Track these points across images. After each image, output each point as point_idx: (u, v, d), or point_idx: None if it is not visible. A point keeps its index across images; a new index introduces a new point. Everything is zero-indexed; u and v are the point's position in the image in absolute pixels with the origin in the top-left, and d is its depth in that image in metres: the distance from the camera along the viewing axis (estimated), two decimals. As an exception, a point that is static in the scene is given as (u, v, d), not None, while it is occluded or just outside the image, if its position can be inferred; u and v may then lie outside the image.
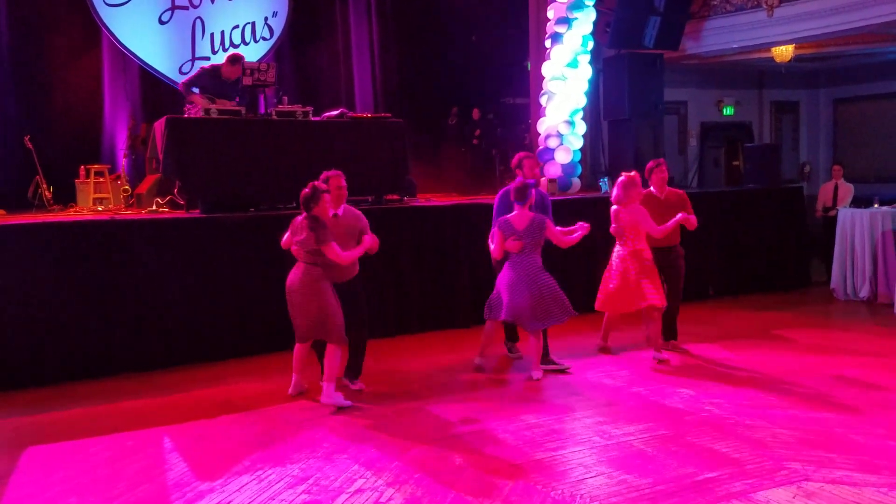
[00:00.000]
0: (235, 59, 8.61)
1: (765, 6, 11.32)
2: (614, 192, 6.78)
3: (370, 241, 5.91)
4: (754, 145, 13.49)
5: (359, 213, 6.19)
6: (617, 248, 6.84)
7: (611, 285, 6.82)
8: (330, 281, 5.80)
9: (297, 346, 5.98)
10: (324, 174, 6.02)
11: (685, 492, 4.09)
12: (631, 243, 6.70)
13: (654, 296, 6.61)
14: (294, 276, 5.80)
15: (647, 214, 6.72)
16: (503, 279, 6.34)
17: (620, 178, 6.79)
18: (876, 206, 9.70)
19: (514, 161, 6.76)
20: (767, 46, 11.92)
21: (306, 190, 5.73)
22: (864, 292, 9.50)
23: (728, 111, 14.68)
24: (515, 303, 6.21)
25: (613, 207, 6.77)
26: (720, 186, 13.74)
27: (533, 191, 6.34)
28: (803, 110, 15.31)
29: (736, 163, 14.50)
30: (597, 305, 7.04)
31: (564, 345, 7.45)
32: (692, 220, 6.85)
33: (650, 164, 7.33)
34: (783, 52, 12.01)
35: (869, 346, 7.30)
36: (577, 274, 8.97)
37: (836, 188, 11.41)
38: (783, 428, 5.02)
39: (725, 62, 13.32)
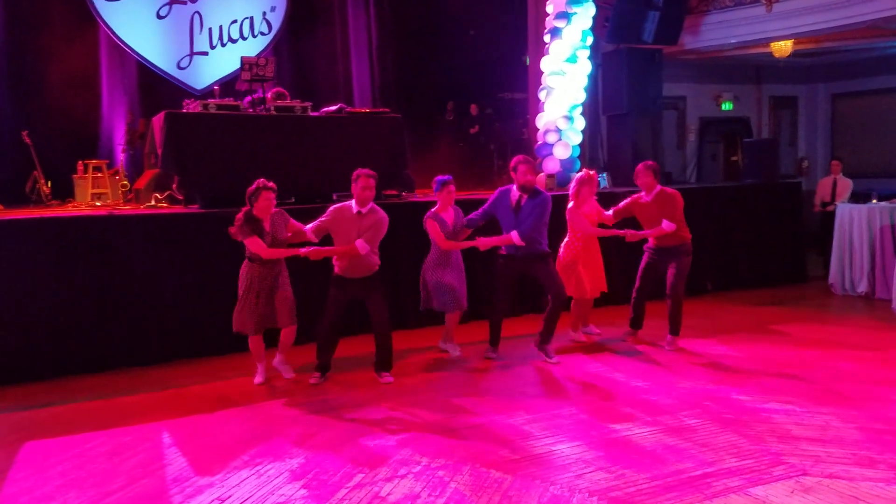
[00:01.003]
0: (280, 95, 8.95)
1: (763, 1, 11.31)
2: (571, 186, 7.25)
3: (305, 251, 6.10)
4: (752, 140, 13.50)
5: (381, 216, 6.26)
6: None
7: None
8: (258, 273, 6.15)
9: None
10: (356, 172, 6.21)
11: (683, 486, 4.10)
12: (570, 235, 7.22)
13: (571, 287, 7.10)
14: None
15: (579, 216, 7.13)
16: None
17: (579, 174, 7.19)
18: (874, 201, 9.70)
19: (512, 163, 6.76)
20: (766, 41, 11.93)
21: (252, 186, 6.10)
22: (861, 287, 9.50)
23: (727, 106, 14.68)
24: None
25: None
26: (718, 181, 13.75)
27: (450, 185, 6.76)
28: (802, 105, 15.31)
29: (734, 158, 14.52)
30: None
31: (562, 340, 7.46)
32: (632, 235, 7.12)
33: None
34: (782, 48, 12.01)
35: (866, 340, 7.31)
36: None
37: (834, 183, 11.42)
38: (781, 423, 5.04)
39: (724, 57, 13.32)
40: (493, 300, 6.85)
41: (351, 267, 6.17)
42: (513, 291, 6.80)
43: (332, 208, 6.25)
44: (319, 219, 6.24)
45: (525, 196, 6.61)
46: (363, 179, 6.12)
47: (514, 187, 6.69)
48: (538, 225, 6.58)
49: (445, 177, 6.81)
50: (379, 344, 6.34)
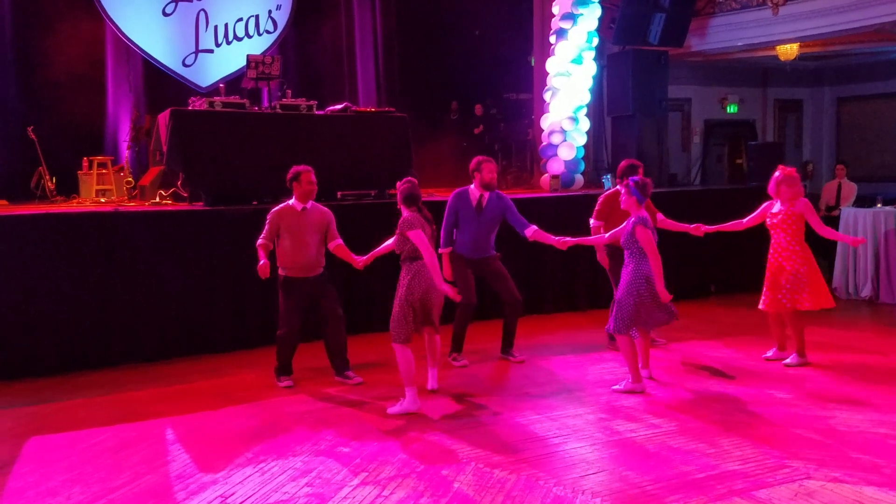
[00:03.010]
0: None
1: (770, 4, 11.29)
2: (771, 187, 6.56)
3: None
4: (757, 143, 13.47)
5: (326, 209, 6.20)
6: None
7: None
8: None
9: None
10: (293, 169, 6.05)
11: (687, 489, 4.10)
12: (791, 242, 6.46)
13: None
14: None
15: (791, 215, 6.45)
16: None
17: (776, 174, 6.52)
18: (879, 205, 9.69)
19: (473, 164, 6.68)
20: (772, 44, 11.90)
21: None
22: (865, 291, 9.48)
23: (732, 109, 14.66)
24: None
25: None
26: (723, 184, 13.74)
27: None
28: (807, 109, 15.29)
29: (739, 160, 14.50)
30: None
31: (566, 340, 7.47)
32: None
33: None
34: (788, 51, 11.99)
35: (870, 344, 7.30)
36: (580, 272, 9.03)
37: (839, 187, 11.40)
38: (785, 426, 5.03)
39: (730, 60, 13.30)
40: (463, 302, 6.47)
41: (298, 266, 6.04)
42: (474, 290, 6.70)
43: (271, 212, 6.08)
44: (265, 228, 6.07)
45: (487, 195, 6.58)
46: (305, 175, 6.00)
47: (474, 187, 6.64)
48: (496, 230, 6.65)
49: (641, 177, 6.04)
50: (338, 346, 6.25)
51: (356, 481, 4.28)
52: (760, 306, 6.67)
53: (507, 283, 6.66)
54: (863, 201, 10.59)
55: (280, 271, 6.10)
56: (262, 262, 5.90)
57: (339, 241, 6.16)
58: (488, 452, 4.65)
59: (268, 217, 6.09)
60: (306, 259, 6.03)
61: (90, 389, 6.22)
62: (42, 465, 4.63)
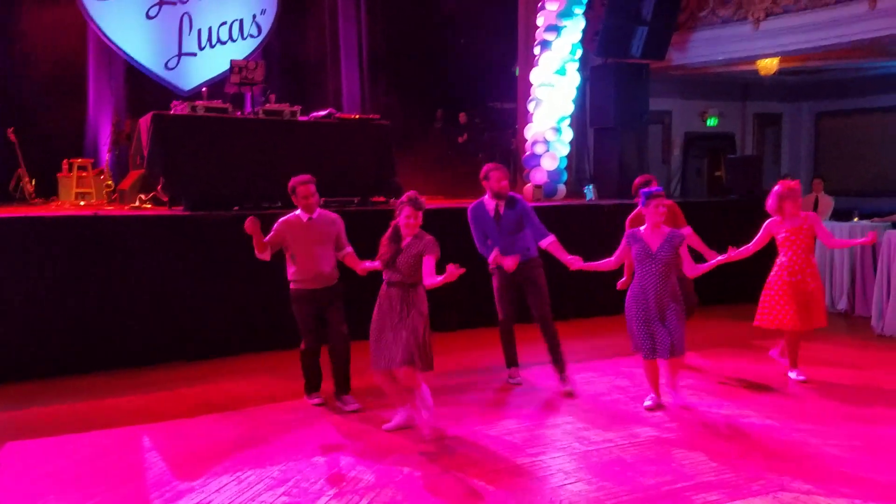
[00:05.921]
0: None
1: (751, 19, 11.45)
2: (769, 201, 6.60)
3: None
4: (737, 156, 13.62)
5: (336, 216, 5.90)
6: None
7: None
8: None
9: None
10: (292, 180, 5.73)
11: (662, 500, 4.13)
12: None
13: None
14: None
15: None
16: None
17: (776, 187, 6.55)
18: (855, 219, 9.82)
19: (482, 173, 6.36)
20: (753, 59, 12.05)
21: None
22: (842, 304, 9.60)
23: (712, 122, 14.82)
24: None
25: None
26: (702, 196, 13.86)
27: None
28: (786, 123, 15.48)
29: (718, 173, 14.64)
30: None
31: (546, 350, 7.47)
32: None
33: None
34: (768, 65, 12.14)
35: (846, 358, 7.38)
36: (567, 283, 9.07)
37: (816, 201, 11.54)
38: (759, 438, 5.08)
39: (710, 73, 13.45)
40: (500, 318, 6.43)
41: (307, 279, 5.70)
42: (515, 304, 6.54)
43: (278, 221, 5.71)
44: (271, 232, 5.69)
45: (502, 203, 6.30)
46: (302, 188, 5.65)
47: (488, 197, 6.33)
48: (523, 231, 6.33)
49: (654, 188, 5.93)
50: (338, 365, 5.82)
51: (333, 491, 4.28)
52: (788, 327, 6.43)
53: (539, 297, 6.30)
54: (839, 215, 10.73)
55: (291, 284, 5.78)
56: (252, 220, 5.44)
57: (349, 249, 5.83)
58: (466, 463, 4.67)
59: (275, 225, 5.72)
60: (316, 271, 5.69)
61: (70, 395, 6.16)
62: (18, 472, 4.58)
